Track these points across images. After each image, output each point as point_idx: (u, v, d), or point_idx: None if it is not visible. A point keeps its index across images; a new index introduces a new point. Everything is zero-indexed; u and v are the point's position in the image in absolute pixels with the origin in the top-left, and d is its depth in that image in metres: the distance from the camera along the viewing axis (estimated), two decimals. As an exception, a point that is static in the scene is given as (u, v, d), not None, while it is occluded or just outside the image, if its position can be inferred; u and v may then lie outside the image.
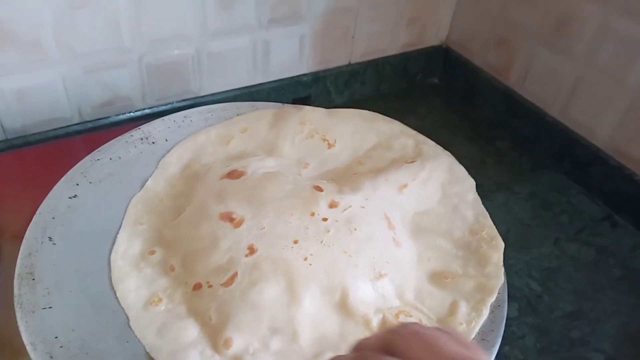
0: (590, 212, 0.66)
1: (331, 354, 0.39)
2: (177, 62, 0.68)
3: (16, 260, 0.46)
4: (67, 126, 0.66)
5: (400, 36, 0.83)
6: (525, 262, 0.59)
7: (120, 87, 0.67)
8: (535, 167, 0.73)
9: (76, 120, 0.67)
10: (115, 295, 0.42)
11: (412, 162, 0.54)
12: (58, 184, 0.49)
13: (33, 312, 0.39)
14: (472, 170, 0.57)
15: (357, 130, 0.60)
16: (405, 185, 0.52)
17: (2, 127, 0.63)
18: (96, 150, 0.53)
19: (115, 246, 0.46)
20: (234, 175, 0.50)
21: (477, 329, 0.42)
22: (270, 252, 0.43)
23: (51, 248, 0.44)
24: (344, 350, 0.39)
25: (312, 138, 0.59)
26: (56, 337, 0.38)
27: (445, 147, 0.59)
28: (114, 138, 0.55)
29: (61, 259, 0.44)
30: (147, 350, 0.39)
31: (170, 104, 0.71)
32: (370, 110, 0.63)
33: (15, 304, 0.40)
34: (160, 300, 0.43)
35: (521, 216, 0.65)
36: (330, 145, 0.58)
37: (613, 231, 0.64)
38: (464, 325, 0.42)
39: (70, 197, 0.49)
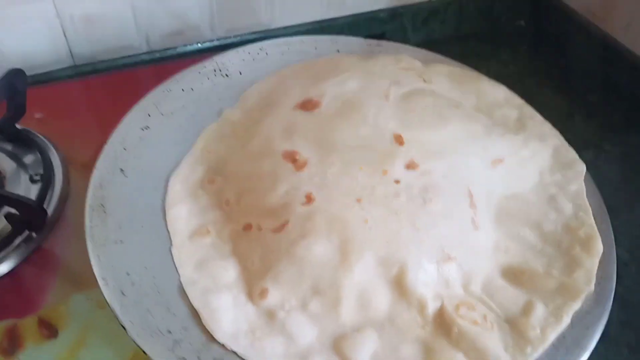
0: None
1: (373, 333, 0.36)
2: (248, -11, 0.65)
3: (83, 191, 0.46)
4: (135, 55, 0.66)
5: (488, -28, 0.76)
6: (613, 227, 0.54)
7: (189, 15, 0.65)
8: (629, 124, 0.66)
9: (144, 49, 0.66)
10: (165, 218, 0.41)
11: (515, 134, 0.48)
12: (129, 114, 0.47)
13: (104, 245, 0.38)
14: (558, 124, 0.52)
15: (454, 85, 0.53)
16: (501, 160, 0.45)
17: (71, 52, 0.63)
18: (168, 80, 0.51)
19: (177, 169, 0.45)
20: (307, 105, 0.47)
21: (552, 338, 0.37)
22: (328, 206, 0.39)
23: (123, 180, 0.43)
24: (387, 331, 0.36)
25: (406, 71, 0.52)
26: (128, 274, 0.37)
27: (530, 98, 0.54)
28: (182, 69, 0.53)
29: (133, 193, 0.43)
30: (181, 281, 0.38)
31: (239, 36, 0.69)
32: (449, 53, 0.58)
33: (87, 235, 0.39)
34: (208, 232, 0.41)
35: (611, 177, 0.59)
36: (425, 82, 0.52)
37: None
38: (538, 330, 0.37)
39: (142, 129, 0.47)
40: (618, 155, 0.62)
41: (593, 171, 0.60)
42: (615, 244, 0.49)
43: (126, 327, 0.34)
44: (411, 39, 0.78)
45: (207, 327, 0.35)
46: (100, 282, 0.36)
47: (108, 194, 0.42)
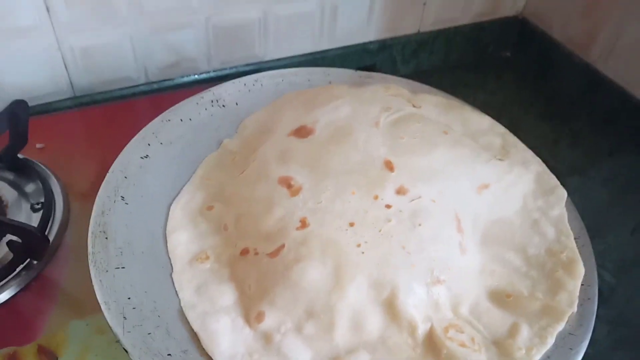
0: (674, 202, 0.61)
1: (365, 354, 0.37)
2: (243, 24, 0.67)
3: (83, 219, 0.47)
4: (133, 86, 0.68)
5: (474, 4, 0.78)
6: (598, 252, 0.55)
7: (186, 48, 0.67)
8: (613, 150, 0.68)
9: (142, 81, 0.68)
10: (166, 244, 0.42)
11: (500, 160, 0.49)
12: (130, 143, 0.49)
13: (106, 271, 0.39)
14: (544, 151, 0.53)
15: (442, 112, 0.55)
16: (486, 186, 0.46)
17: (71, 84, 0.65)
18: (167, 110, 0.53)
19: (178, 196, 0.46)
20: (302, 132, 0.48)
21: (537, 358, 0.37)
22: (322, 230, 0.40)
23: (123, 207, 0.44)
24: (379, 352, 0.37)
25: (396, 97, 0.54)
26: (129, 298, 0.38)
27: (516, 126, 0.55)
28: (179, 100, 0.55)
29: (133, 220, 0.44)
30: (181, 305, 0.39)
31: (234, 67, 0.71)
32: (437, 83, 0.60)
33: (90, 262, 0.39)
34: (207, 258, 0.42)
35: (596, 203, 0.61)
36: (415, 106, 0.53)
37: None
38: (523, 351, 0.38)
39: (142, 157, 0.48)
40: (603, 181, 0.63)
41: (578, 196, 0.61)
42: (601, 268, 0.50)
43: (128, 350, 0.35)
44: (401, 69, 0.80)
45: (206, 349, 0.36)
46: (103, 307, 0.37)
47: (109, 221, 0.43)
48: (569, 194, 0.49)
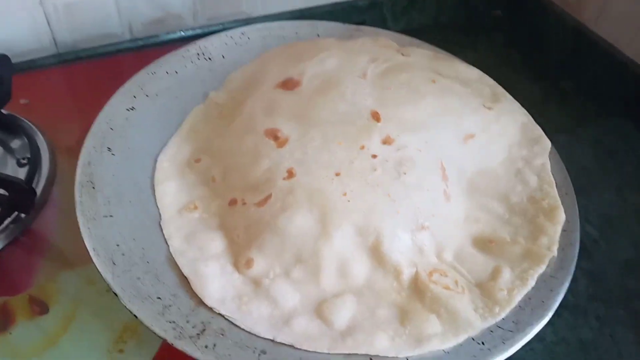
0: (659, 164, 0.62)
1: (352, 297, 0.38)
2: (230, -23, 0.66)
3: (70, 173, 0.47)
4: (118, 43, 0.66)
5: (466, -39, 0.77)
6: (582, 206, 0.56)
7: (171, 3, 0.66)
8: (601, 112, 0.67)
9: (127, 37, 0.67)
10: (153, 194, 0.42)
11: (489, 108, 0.49)
12: (114, 95, 0.48)
13: (94, 219, 0.39)
14: (533, 111, 0.53)
15: (431, 61, 0.55)
16: (472, 136, 0.47)
17: (55, 40, 0.63)
18: (152, 63, 0.52)
19: (165, 148, 0.46)
20: (288, 85, 0.48)
21: (518, 299, 0.39)
22: (308, 180, 0.41)
23: (110, 159, 0.44)
24: (365, 296, 0.38)
25: (385, 48, 0.54)
26: (117, 245, 0.38)
27: (504, 85, 0.55)
28: (163, 53, 0.54)
29: (120, 170, 0.44)
30: (171, 251, 0.39)
31: (221, 24, 0.69)
32: (427, 42, 0.60)
33: (77, 210, 0.39)
34: (196, 207, 0.42)
35: (582, 161, 0.61)
36: (404, 55, 0.53)
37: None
38: (505, 292, 0.39)
39: (127, 109, 0.48)
40: (590, 141, 0.63)
41: (566, 155, 0.62)
42: (586, 222, 0.51)
43: (118, 293, 0.35)
44: (390, 27, 0.79)
45: (196, 292, 0.37)
46: (91, 253, 0.37)
47: (96, 172, 0.43)
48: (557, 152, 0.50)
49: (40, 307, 0.42)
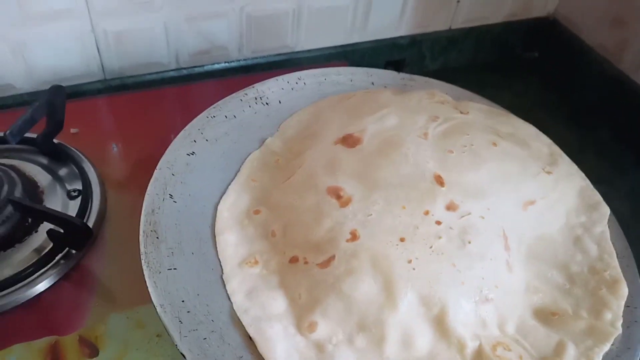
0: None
1: None
2: (277, 15, 0.67)
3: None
4: (163, 72, 0.67)
5: (506, 4, 0.78)
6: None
7: (218, 37, 0.67)
8: (639, 161, 0.68)
9: (173, 67, 0.67)
10: (215, 244, 0.42)
11: (549, 172, 0.49)
12: (176, 139, 0.49)
13: (159, 272, 0.39)
14: (569, 158, 0.53)
15: (488, 118, 0.54)
16: (532, 202, 0.46)
17: (102, 66, 0.64)
18: (211, 106, 0.52)
19: (224, 196, 0.46)
20: (348, 141, 0.48)
21: None
22: (372, 244, 0.40)
23: (172, 206, 0.44)
24: None
25: (442, 104, 0.54)
26: (183, 301, 0.38)
27: (541, 130, 0.55)
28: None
29: (182, 219, 0.44)
30: (234, 308, 0.39)
31: (264, 57, 0.70)
32: (464, 82, 0.60)
33: (143, 262, 0.39)
34: (256, 262, 0.42)
35: (620, 214, 0.61)
36: (462, 113, 0.53)
37: None
38: None
39: (188, 154, 0.48)
40: (628, 192, 0.63)
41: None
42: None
43: (185, 355, 0.35)
44: (429, 65, 0.80)
45: (263, 355, 0.36)
46: (159, 309, 0.37)
47: (159, 220, 0.43)
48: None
49: (90, 350, 0.42)
